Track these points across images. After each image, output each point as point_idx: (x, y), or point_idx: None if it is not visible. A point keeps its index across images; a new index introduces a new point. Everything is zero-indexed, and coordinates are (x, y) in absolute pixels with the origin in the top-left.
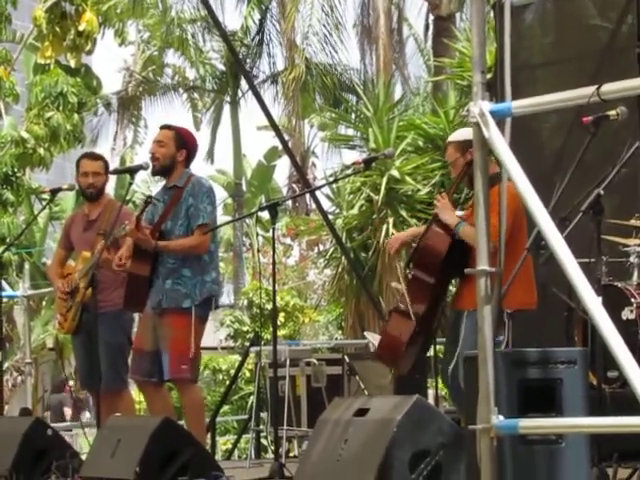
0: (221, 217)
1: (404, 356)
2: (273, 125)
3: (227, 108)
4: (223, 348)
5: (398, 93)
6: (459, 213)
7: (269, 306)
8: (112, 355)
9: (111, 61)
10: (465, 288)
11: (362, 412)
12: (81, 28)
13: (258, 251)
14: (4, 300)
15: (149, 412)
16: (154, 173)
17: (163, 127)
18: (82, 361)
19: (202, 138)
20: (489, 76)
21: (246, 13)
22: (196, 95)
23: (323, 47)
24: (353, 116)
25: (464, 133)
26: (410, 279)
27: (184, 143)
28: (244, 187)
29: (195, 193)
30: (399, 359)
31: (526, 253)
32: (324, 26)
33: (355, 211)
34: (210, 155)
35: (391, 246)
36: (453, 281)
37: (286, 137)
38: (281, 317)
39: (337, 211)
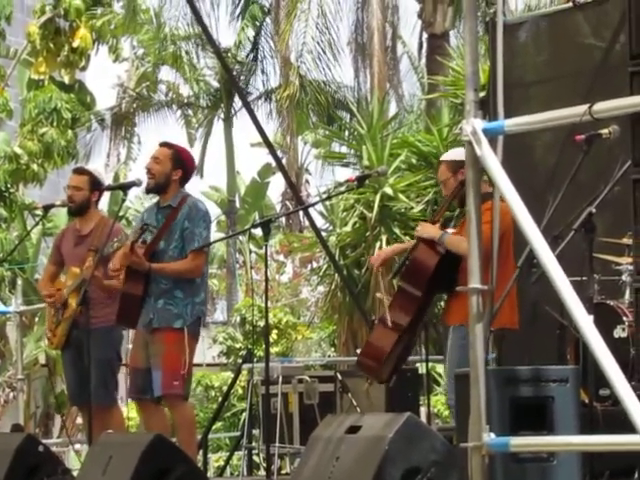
0: (214, 234)
1: (384, 366)
2: (267, 142)
3: (221, 125)
4: (216, 365)
5: (392, 111)
6: (450, 230)
7: (262, 323)
8: (102, 371)
9: (105, 77)
10: (452, 304)
11: (354, 429)
12: (75, 44)
13: (251, 268)
14: None
15: (146, 429)
16: (148, 190)
17: (162, 144)
18: (71, 377)
19: (195, 154)
20: (482, 94)
21: (240, 30)
22: (190, 112)
23: (317, 64)
24: (347, 133)
25: (456, 153)
26: (397, 291)
27: (181, 163)
28: (237, 204)
29: (192, 217)
30: (379, 369)
31: (518, 272)
32: (318, 43)
33: (348, 228)
34: (200, 170)
35: (374, 262)
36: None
37: (280, 154)
38: (274, 334)
39: (330, 228)
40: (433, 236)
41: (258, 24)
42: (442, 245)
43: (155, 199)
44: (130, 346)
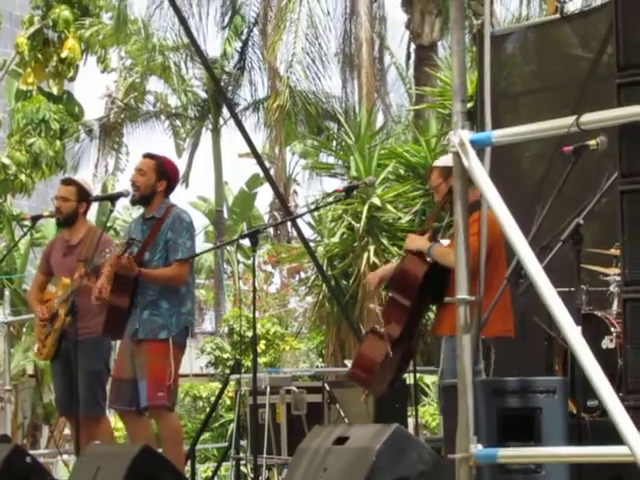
0: (202, 244)
1: (377, 377)
2: (254, 153)
3: (209, 135)
4: (203, 375)
5: (380, 121)
6: (444, 242)
7: (250, 333)
8: (90, 382)
9: (93, 88)
10: (442, 314)
11: (342, 440)
12: (63, 55)
13: (239, 278)
14: None
15: (130, 441)
16: (133, 202)
17: (145, 155)
18: (60, 388)
19: (183, 164)
20: (470, 105)
21: (227, 41)
22: (178, 122)
23: (307, 75)
24: (334, 144)
25: (449, 159)
26: (387, 302)
27: (165, 173)
28: (225, 214)
29: (175, 227)
30: (371, 380)
31: (506, 282)
32: (308, 54)
33: (336, 239)
34: (185, 179)
35: (370, 283)
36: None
37: (268, 165)
38: (262, 344)
39: (318, 239)
40: (421, 248)
41: (245, 35)
42: (430, 257)
43: (141, 210)
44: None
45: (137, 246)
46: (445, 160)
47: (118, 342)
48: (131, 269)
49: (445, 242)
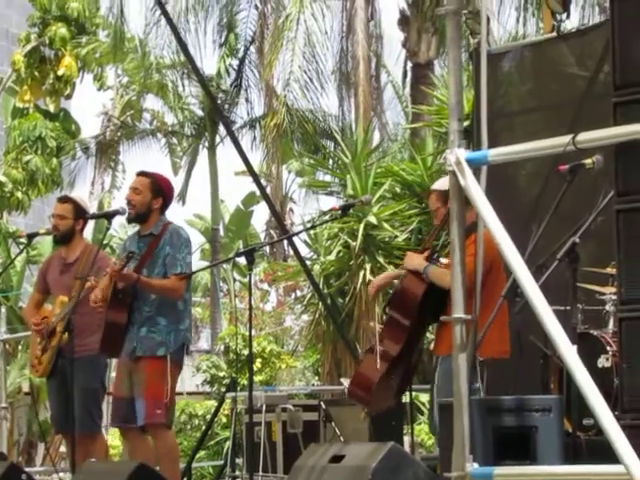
0: (198, 262)
1: (376, 396)
2: (251, 171)
3: (205, 153)
4: (199, 393)
5: (376, 140)
6: (444, 261)
7: (246, 351)
8: (86, 400)
9: (90, 105)
10: (440, 334)
11: (337, 459)
12: (60, 72)
13: (235, 296)
14: None
15: (129, 457)
16: (130, 220)
17: (140, 174)
18: (56, 405)
19: (179, 182)
20: (466, 123)
21: (224, 59)
22: (174, 140)
23: (304, 94)
24: (331, 162)
25: (447, 182)
26: (387, 320)
27: (160, 191)
28: (222, 232)
29: (173, 243)
30: (369, 398)
31: (502, 300)
32: (305, 72)
33: (332, 257)
34: (182, 197)
35: (370, 290)
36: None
37: (264, 183)
38: (257, 363)
39: (314, 257)
40: (417, 268)
41: (242, 53)
42: (426, 277)
43: (136, 228)
44: (114, 374)
45: (136, 259)
46: (444, 183)
47: (114, 360)
48: (130, 276)
49: (445, 261)
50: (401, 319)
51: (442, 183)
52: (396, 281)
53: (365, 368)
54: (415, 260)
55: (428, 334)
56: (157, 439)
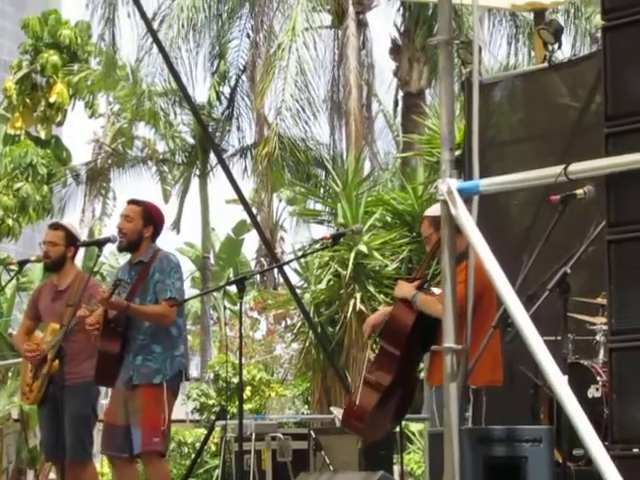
0: (189, 290)
1: (369, 425)
2: (242, 199)
3: (196, 181)
4: (189, 421)
5: (367, 168)
6: (436, 291)
7: (235, 380)
8: (77, 427)
9: (81, 133)
10: (433, 363)
11: None
12: (52, 100)
13: (225, 324)
14: None
15: None
16: (121, 249)
17: (130, 202)
18: (47, 432)
19: (171, 210)
20: (458, 153)
21: (215, 87)
22: (165, 168)
23: (296, 122)
24: (322, 191)
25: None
26: (378, 350)
27: (151, 219)
28: (212, 260)
29: (163, 269)
30: (363, 428)
31: (492, 330)
32: (297, 101)
33: (323, 285)
34: (176, 225)
35: (365, 329)
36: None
37: (255, 211)
38: (247, 391)
39: (305, 285)
40: (406, 296)
41: (233, 81)
42: (415, 305)
43: (128, 256)
44: (105, 401)
45: (124, 287)
46: (437, 209)
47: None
48: (119, 303)
49: (437, 290)
50: (391, 349)
51: (435, 209)
52: None
53: (357, 398)
54: (405, 288)
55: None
56: (151, 467)
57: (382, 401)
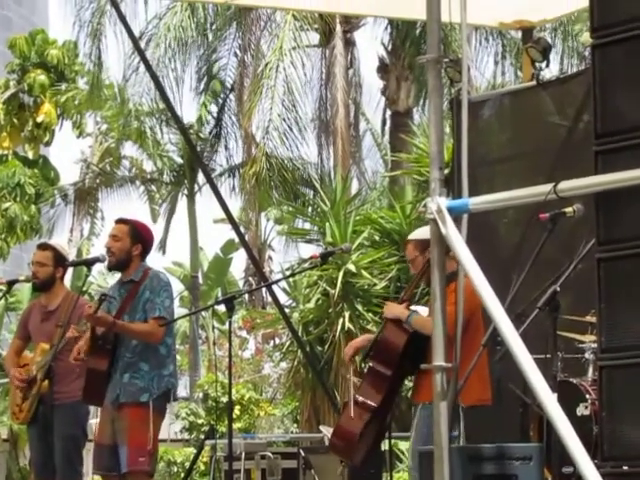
0: (177, 309)
1: (357, 447)
2: (230, 218)
3: (184, 201)
4: (178, 440)
5: (355, 188)
6: (423, 309)
7: (224, 399)
8: (67, 447)
9: (69, 152)
10: (420, 382)
11: None
12: (39, 119)
13: (214, 344)
14: None
15: None
16: (110, 268)
17: (118, 221)
18: (37, 452)
19: (159, 230)
20: (446, 171)
21: (203, 106)
22: (153, 187)
23: (283, 141)
24: (310, 210)
25: (424, 232)
26: (368, 371)
27: (139, 237)
28: (200, 280)
29: (153, 287)
30: (352, 450)
31: (482, 349)
32: (284, 120)
33: (311, 305)
34: (162, 246)
35: (347, 352)
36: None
37: (243, 230)
38: (236, 410)
39: (293, 304)
40: (399, 316)
41: (221, 101)
42: (409, 325)
43: (116, 276)
44: (95, 421)
45: (110, 302)
46: (420, 233)
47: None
48: (105, 320)
49: (423, 309)
50: (382, 369)
51: (419, 233)
52: None
53: (346, 420)
54: (397, 309)
55: (406, 381)
56: None
57: (371, 422)
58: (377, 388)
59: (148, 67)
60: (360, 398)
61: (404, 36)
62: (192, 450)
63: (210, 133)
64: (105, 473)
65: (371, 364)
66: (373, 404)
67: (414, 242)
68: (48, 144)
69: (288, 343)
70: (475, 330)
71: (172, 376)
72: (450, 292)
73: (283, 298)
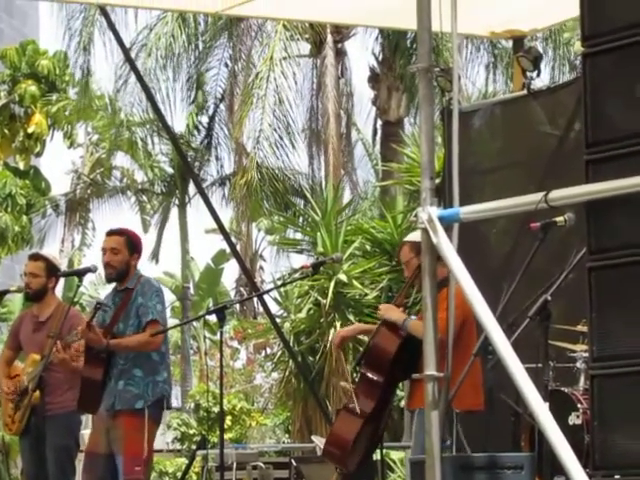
0: (169, 320)
1: (351, 454)
2: (221, 229)
3: (175, 211)
4: (170, 451)
5: (346, 197)
6: (413, 318)
7: (216, 409)
8: (60, 458)
9: (60, 163)
10: (415, 388)
11: None
12: (30, 130)
13: (205, 354)
14: None
15: None
16: (110, 280)
17: (111, 233)
18: (29, 463)
19: (150, 240)
20: (437, 181)
21: (193, 116)
22: (144, 198)
23: (274, 151)
24: (301, 220)
25: (420, 234)
26: (359, 378)
27: (135, 247)
28: (192, 290)
29: (144, 292)
30: (346, 457)
31: (473, 358)
32: (275, 130)
33: (303, 315)
34: (155, 256)
35: (334, 340)
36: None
37: (234, 240)
38: (228, 420)
39: (285, 314)
40: (396, 320)
41: (212, 111)
42: (405, 330)
43: (109, 286)
44: (86, 431)
45: (105, 310)
46: (416, 235)
47: (88, 417)
48: (99, 342)
49: (413, 318)
50: (374, 376)
51: (415, 235)
52: (361, 336)
53: (339, 427)
54: (394, 313)
55: (398, 391)
56: None
57: (364, 429)
58: (370, 395)
59: (139, 77)
60: (352, 405)
61: (395, 46)
62: (184, 460)
63: (201, 143)
64: None
65: (363, 371)
66: (366, 411)
67: (410, 244)
68: (39, 155)
69: (279, 353)
70: (468, 336)
71: (166, 383)
72: (442, 299)
73: (274, 308)
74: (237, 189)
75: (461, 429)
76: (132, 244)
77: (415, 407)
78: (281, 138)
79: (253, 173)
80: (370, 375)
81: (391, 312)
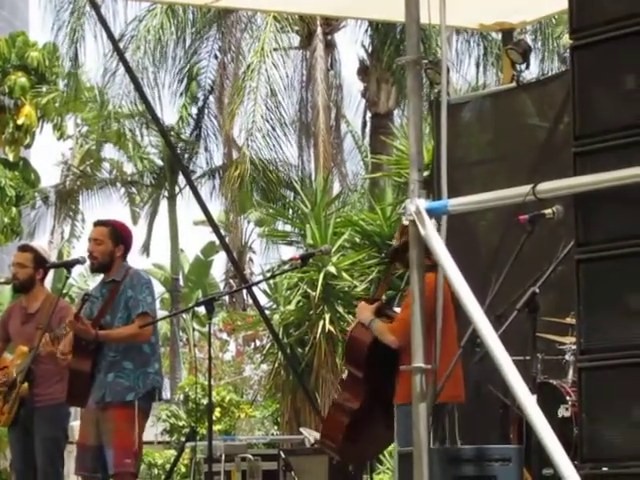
0: (158, 312)
1: (344, 446)
2: (210, 221)
3: (165, 203)
4: (159, 442)
5: (336, 190)
6: (397, 310)
7: (205, 401)
8: (48, 450)
9: (49, 155)
10: (397, 383)
11: None
12: (20, 122)
13: (194, 346)
14: None
15: None
16: (93, 270)
17: (97, 224)
18: (18, 455)
19: (140, 232)
20: (426, 173)
21: (183, 108)
22: (134, 190)
23: (267, 143)
24: (290, 212)
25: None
26: (347, 374)
27: (120, 238)
28: (181, 282)
29: (134, 285)
30: (338, 449)
31: (461, 351)
32: (267, 122)
33: (292, 307)
34: (146, 248)
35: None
36: None
37: (223, 232)
38: (217, 412)
39: (274, 306)
40: (364, 321)
41: (201, 102)
42: (371, 331)
43: (97, 278)
44: (76, 423)
45: (92, 302)
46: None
47: (77, 409)
48: (87, 332)
49: (398, 310)
50: (354, 371)
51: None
52: None
53: (329, 420)
54: (364, 313)
55: None
56: None
57: (354, 424)
58: (354, 391)
59: (128, 69)
60: (339, 400)
61: (384, 38)
62: (173, 452)
63: (190, 135)
64: (88, 475)
65: (346, 367)
66: (352, 407)
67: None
68: (29, 146)
69: (269, 345)
70: (443, 328)
71: (157, 374)
72: (408, 294)
73: (264, 300)
74: (229, 181)
75: (448, 421)
76: (117, 235)
77: (398, 402)
78: (273, 129)
79: (246, 165)
80: (351, 370)
81: (362, 313)
